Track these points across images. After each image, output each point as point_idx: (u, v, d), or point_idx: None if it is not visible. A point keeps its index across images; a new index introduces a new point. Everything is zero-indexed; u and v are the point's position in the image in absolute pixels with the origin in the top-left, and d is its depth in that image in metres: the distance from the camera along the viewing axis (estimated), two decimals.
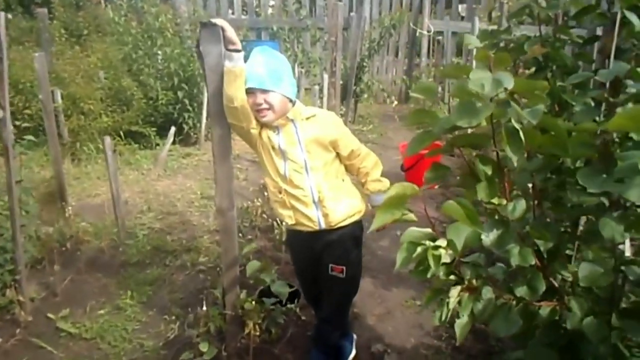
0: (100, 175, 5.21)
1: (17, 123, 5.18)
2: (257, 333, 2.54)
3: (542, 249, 1.33)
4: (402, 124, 7.45)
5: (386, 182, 2.32)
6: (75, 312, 3.05)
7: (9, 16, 9.11)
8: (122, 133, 5.90)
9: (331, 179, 2.18)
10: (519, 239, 1.32)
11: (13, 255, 2.94)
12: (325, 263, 2.25)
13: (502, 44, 1.92)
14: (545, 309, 1.40)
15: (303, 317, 2.95)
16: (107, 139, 3.62)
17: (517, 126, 1.18)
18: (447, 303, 1.27)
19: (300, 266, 2.48)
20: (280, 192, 2.18)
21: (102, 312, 3.05)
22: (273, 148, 2.14)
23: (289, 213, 2.20)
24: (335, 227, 2.19)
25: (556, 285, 1.43)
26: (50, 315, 2.98)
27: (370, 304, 3.15)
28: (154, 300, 3.19)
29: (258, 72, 2.04)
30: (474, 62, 1.36)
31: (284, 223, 2.42)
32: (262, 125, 2.15)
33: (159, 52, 6.21)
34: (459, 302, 1.29)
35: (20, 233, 2.91)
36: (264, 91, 2.04)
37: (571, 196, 1.32)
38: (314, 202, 2.15)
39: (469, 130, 1.32)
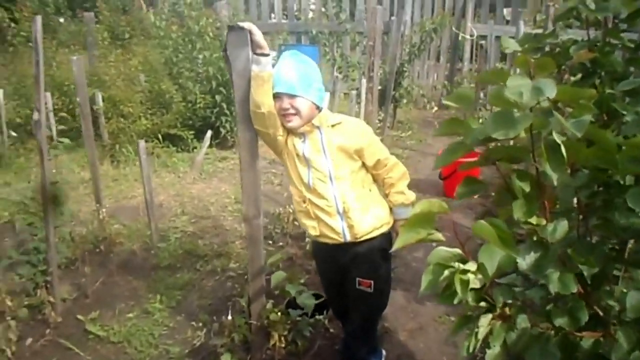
0: (137, 178, 5.25)
1: (58, 124, 5.28)
2: (283, 345, 2.47)
3: (585, 274, 1.20)
4: None
5: (410, 196, 2.18)
6: (105, 314, 3.06)
7: (61, 20, 9.41)
8: (160, 136, 5.97)
9: (358, 188, 2.08)
10: (559, 263, 1.20)
11: (46, 256, 2.98)
12: (352, 277, 2.16)
13: (547, 49, 1.79)
14: (587, 340, 1.26)
15: (331, 330, 2.85)
16: (141, 143, 3.64)
17: (558, 140, 1.06)
18: (476, 333, 1.16)
19: (326, 279, 2.39)
20: (304, 202, 2.10)
21: (130, 315, 3.05)
22: (297, 156, 2.07)
23: (313, 224, 2.12)
24: (362, 239, 2.09)
25: (600, 313, 1.29)
26: (80, 317, 2.99)
27: (402, 318, 3.02)
28: (183, 306, 3.16)
29: (288, 76, 1.98)
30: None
31: (308, 234, 2.32)
32: (288, 132, 2.08)
33: (199, 55, 6.25)
34: (491, 331, 1.18)
35: (53, 234, 2.94)
36: (292, 96, 1.97)
37: (619, 217, 1.19)
38: (338, 212, 2.06)
39: (511, 142, 1.20)
